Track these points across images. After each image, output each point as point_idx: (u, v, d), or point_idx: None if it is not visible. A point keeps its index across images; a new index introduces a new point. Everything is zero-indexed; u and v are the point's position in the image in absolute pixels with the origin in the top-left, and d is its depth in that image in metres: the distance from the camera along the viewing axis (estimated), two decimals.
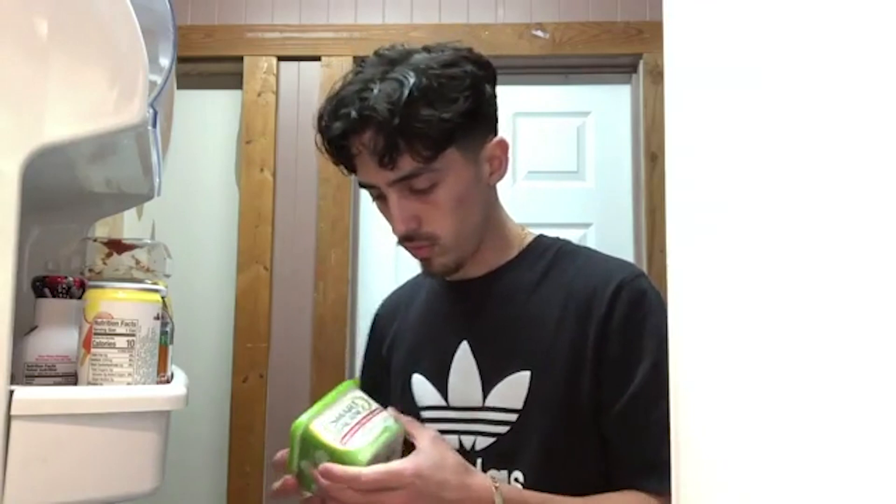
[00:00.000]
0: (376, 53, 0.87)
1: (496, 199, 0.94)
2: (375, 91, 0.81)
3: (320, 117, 0.87)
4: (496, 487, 0.79)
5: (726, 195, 0.41)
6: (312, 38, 2.17)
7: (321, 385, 2.05)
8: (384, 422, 0.81)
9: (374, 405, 0.83)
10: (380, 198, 0.88)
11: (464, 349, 0.91)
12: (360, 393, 0.84)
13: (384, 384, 1.00)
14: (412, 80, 0.80)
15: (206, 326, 2.15)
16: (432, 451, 0.78)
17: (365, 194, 2.30)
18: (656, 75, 2.09)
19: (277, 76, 2.16)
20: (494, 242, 0.93)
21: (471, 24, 2.14)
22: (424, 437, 0.80)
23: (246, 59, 2.16)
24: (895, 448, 0.28)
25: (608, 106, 2.19)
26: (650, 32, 2.10)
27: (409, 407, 0.93)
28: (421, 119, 0.79)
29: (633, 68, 2.15)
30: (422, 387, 0.94)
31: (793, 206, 0.35)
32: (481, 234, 0.90)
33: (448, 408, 0.91)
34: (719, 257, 0.41)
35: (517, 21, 2.12)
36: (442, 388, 0.92)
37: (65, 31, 0.65)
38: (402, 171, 0.82)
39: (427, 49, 0.87)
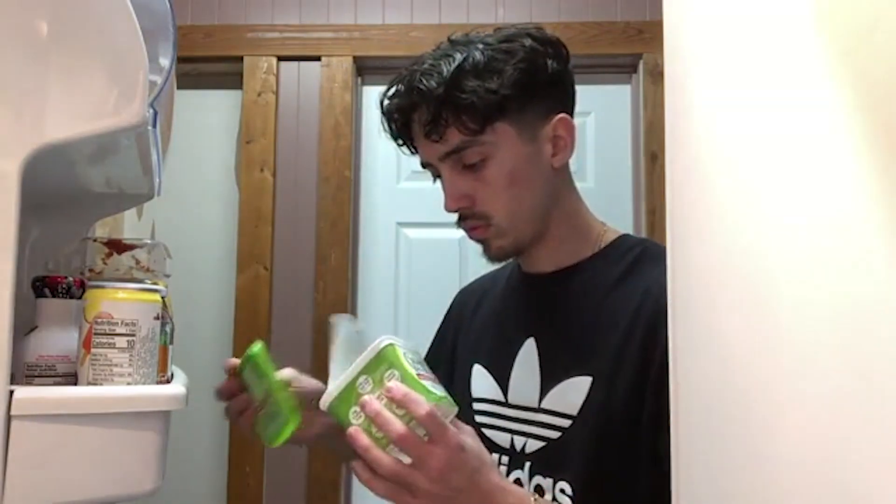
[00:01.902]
0: (448, 39, 0.88)
1: (569, 186, 0.90)
2: (426, 66, 0.83)
3: (381, 99, 0.88)
4: (534, 500, 0.75)
5: (726, 195, 0.41)
6: (312, 38, 2.17)
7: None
8: (444, 391, 0.76)
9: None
10: (438, 177, 0.88)
11: (529, 346, 0.88)
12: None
13: (439, 370, 0.99)
14: (464, 55, 0.82)
15: (206, 326, 2.15)
16: (472, 441, 0.74)
17: (365, 194, 2.31)
18: (656, 75, 2.09)
19: (277, 76, 2.16)
20: (569, 234, 0.89)
21: (471, 25, 2.13)
22: (463, 425, 0.76)
23: (246, 59, 2.16)
24: (892, 450, 0.28)
25: (608, 106, 2.19)
26: (650, 32, 2.10)
27: (463, 397, 0.92)
28: (466, 90, 0.80)
29: (633, 68, 2.15)
30: (481, 378, 0.92)
31: (793, 206, 0.35)
32: (544, 218, 0.86)
33: (505, 404, 0.89)
34: (719, 257, 0.41)
35: (517, 21, 2.11)
36: (503, 383, 0.89)
37: (65, 31, 0.65)
38: (451, 145, 0.82)
39: (497, 29, 0.88)
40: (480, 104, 0.80)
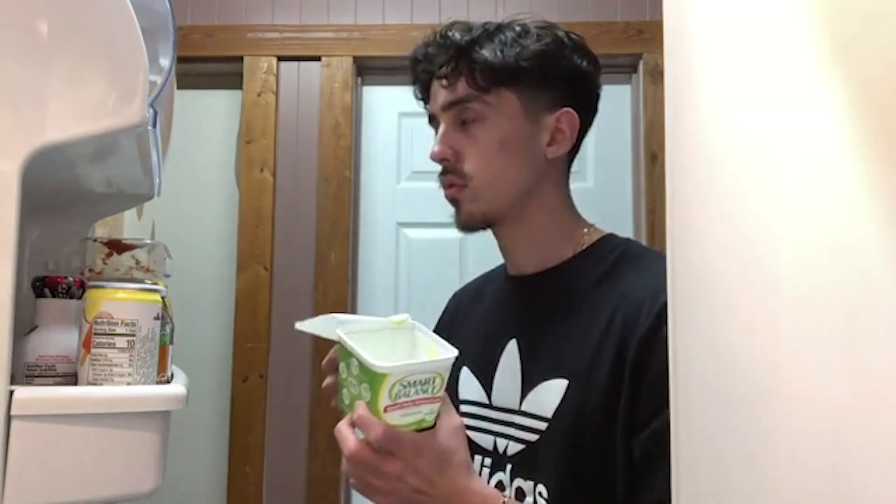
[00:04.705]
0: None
1: (558, 184, 0.90)
2: (462, 22, 0.89)
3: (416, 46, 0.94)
4: (504, 503, 0.75)
5: (725, 195, 0.41)
6: (312, 38, 2.17)
7: (321, 385, 2.05)
8: (428, 412, 0.76)
9: (442, 391, 0.77)
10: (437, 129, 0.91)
11: (511, 348, 0.88)
12: (447, 369, 0.77)
13: None
14: (497, 24, 0.88)
15: (206, 326, 2.15)
16: (444, 440, 0.75)
17: (365, 194, 2.30)
18: (656, 75, 2.09)
19: (277, 76, 2.16)
20: (549, 231, 0.89)
21: None
22: (446, 424, 0.76)
23: (246, 59, 2.16)
24: (891, 452, 0.28)
25: (608, 106, 2.18)
26: (650, 32, 2.10)
27: (451, 399, 0.92)
28: (487, 48, 0.85)
29: (633, 68, 2.15)
30: (468, 381, 0.93)
31: (793, 205, 0.35)
32: (521, 200, 0.87)
33: (489, 406, 0.89)
34: (719, 257, 0.41)
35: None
36: (487, 385, 0.90)
37: (65, 31, 0.65)
38: (456, 94, 0.86)
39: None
40: (496, 64, 0.84)
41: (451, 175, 0.87)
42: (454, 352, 0.75)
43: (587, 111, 0.92)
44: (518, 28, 0.88)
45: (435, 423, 0.76)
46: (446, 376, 0.76)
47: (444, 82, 0.86)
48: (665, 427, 0.58)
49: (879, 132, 0.29)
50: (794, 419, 0.33)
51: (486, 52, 0.84)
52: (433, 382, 0.75)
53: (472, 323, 0.99)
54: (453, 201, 0.89)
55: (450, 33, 0.87)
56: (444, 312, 1.09)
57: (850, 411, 0.30)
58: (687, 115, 0.45)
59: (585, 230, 0.91)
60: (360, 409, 0.73)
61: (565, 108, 0.88)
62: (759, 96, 0.38)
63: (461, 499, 0.74)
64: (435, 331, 1.06)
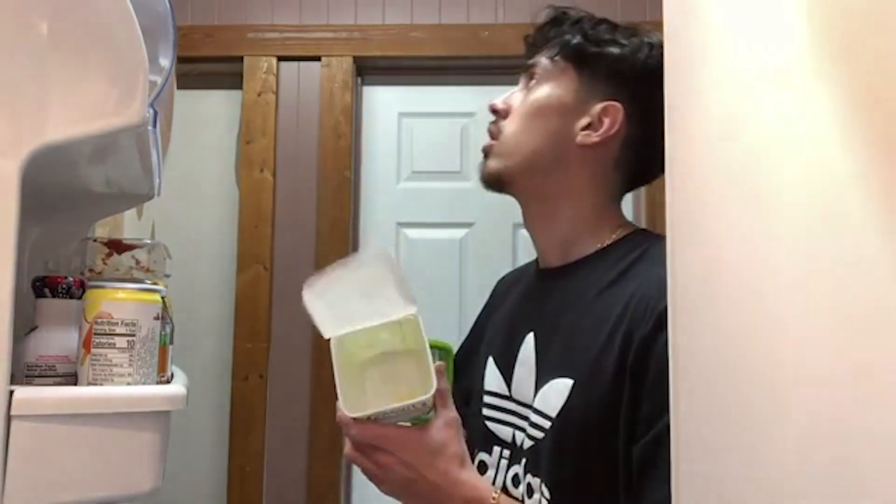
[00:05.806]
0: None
1: (593, 173, 0.89)
2: (576, 9, 0.94)
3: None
4: (494, 498, 0.76)
5: (725, 195, 0.41)
6: (312, 38, 2.17)
7: (321, 385, 2.05)
8: (410, 419, 0.79)
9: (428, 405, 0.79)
10: None
11: (529, 341, 0.88)
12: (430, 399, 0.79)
13: (471, 359, 0.99)
14: (605, 19, 0.93)
15: (206, 326, 2.15)
16: (435, 433, 0.78)
17: (365, 194, 2.29)
18: None
19: (277, 76, 2.16)
20: (577, 222, 0.89)
21: (471, 24, 2.14)
22: (440, 417, 0.79)
23: (246, 59, 2.16)
24: (892, 454, 0.28)
25: None
26: None
27: (478, 387, 0.94)
28: (574, 28, 0.91)
29: None
30: (492, 371, 0.94)
31: (792, 205, 0.35)
32: (540, 171, 0.88)
33: (510, 399, 0.89)
34: (719, 256, 0.41)
35: (517, 21, 2.11)
36: (508, 377, 0.90)
37: (65, 31, 0.65)
38: (533, 60, 0.93)
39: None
40: (570, 41, 0.89)
41: (494, 126, 0.92)
42: (430, 391, 0.76)
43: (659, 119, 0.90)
44: (620, 27, 0.92)
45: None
46: (430, 402, 0.78)
47: (533, 45, 0.93)
48: (665, 430, 0.56)
49: (880, 132, 0.29)
50: (794, 421, 0.33)
51: (570, 30, 0.90)
52: (413, 407, 0.76)
53: (502, 312, 1.00)
54: (485, 154, 0.92)
55: (554, 11, 0.93)
56: (487, 300, 1.09)
57: (851, 413, 0.30)
58: (687, 114, 0.45)
59: (615, 227, 0.89)
60: (339, 412, 0.78)
61: (614, 101, 0.87)
62: (759, 96, 0.38)
63: (453, 490, 0.77)
64: (481, 314, 1.07)
